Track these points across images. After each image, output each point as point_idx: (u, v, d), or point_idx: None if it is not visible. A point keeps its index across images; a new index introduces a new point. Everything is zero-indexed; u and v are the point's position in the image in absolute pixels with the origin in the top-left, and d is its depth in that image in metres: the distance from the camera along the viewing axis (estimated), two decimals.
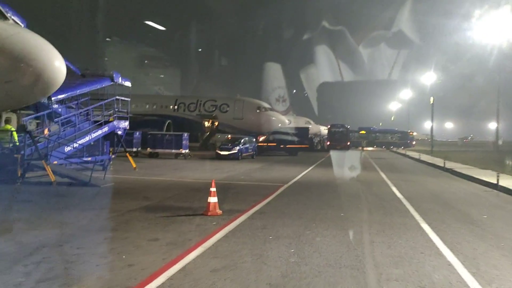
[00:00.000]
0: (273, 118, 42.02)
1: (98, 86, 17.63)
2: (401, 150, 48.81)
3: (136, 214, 9.28)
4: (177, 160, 26.08)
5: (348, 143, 48.85)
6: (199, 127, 42.14)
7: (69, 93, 16.24)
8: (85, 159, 16.58)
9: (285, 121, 42.91)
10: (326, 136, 51.18)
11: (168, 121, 39.90)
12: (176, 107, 42.99)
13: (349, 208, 10.66)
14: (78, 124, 16.89)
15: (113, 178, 15.31)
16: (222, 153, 27.52)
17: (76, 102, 18.06)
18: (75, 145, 15.68)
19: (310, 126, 63.32)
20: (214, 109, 42.40)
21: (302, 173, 19.77)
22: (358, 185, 15.96)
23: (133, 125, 40.98)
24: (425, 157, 32.90)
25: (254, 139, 31.58)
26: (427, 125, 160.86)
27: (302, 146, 36.70)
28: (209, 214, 9.23)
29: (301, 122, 67.94)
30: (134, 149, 27.37)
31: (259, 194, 12.50)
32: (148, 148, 27.59)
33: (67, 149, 15.12)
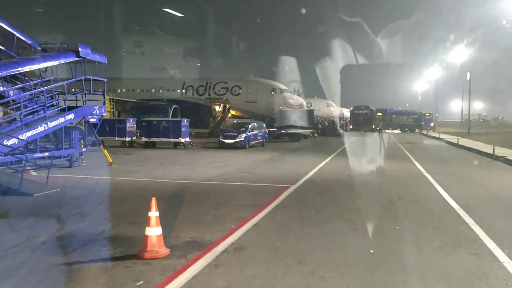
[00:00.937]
0: (290, 100, 37.84)
1: (59, 62, 13.89)
2: (432, 133, 43.80)
3: (22, 256, 5.53)
4: (174, 151, 22.39)
5: (373, 126, 44.21)
6: (208, 112, 38.36)
7: (16, 69, 12.54)
8: (38, 155, 12.97)
9: (303, 103, 38.66)
10: (349, 119, 46.62)
11: (174, 106, 36.32)
12: (184, 90, 39.32)
13: (381, 235, 6.67)
14: (32, 111, 13.25)
15: (66, 180, 11.71)
16: (226, 141, 23.68)
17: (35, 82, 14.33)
18: (23, 137, 12.08)
19: (311, 107, 59.20)
20: (225, 92, 38.51)
21: (318, 167, 15.76)
22: (390, 185, 11.87)
23: (137, 112, 37.97)
24: (463, 141, 28.24)
25: (264, 125, 27.55)
26: (454, 105, 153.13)
27: (306, 131, 32.44)
28: (145, 256, 5.44)
29: (322, 104, 63.63)
30: (128, 139, 23.82)
31: (249, 205, 8.64)
32: (143, 137, 23.96)
33: (8, 142, 11.51)
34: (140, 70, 49.41)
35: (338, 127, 45.18)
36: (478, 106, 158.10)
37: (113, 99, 36.16)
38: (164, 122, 23.75)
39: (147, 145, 23.92)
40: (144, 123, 24.10)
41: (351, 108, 45.75)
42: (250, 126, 24.81)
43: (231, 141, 23.61)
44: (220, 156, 19.77)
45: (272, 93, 37.67)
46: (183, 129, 23.37)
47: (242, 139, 23.63)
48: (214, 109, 38.98)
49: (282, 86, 38.66)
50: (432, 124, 60.53)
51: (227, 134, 24.17)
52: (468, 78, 35.19)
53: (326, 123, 45.29)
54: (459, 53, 73.38)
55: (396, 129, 53.65)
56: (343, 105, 65.16)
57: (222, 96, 38.17)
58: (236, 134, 23.85)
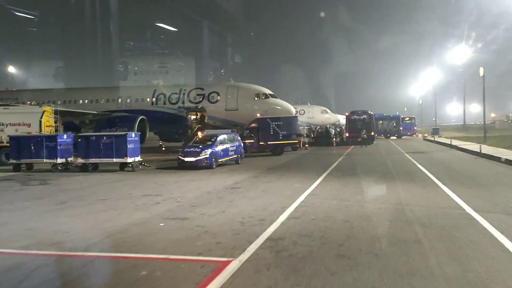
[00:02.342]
0: (277, 107, 32.07)
1: None
2: (440, 138, 37.97)
3: None
4: (115, 176, 16.70)
5: (372, 134, 38.48)
6: (183, 123, 32.74)
7: None
8: None
9: (291, 109, 32.95)
10: (345, 127, 40.96)
11: (141, 117, 30.64)
12: (154, 99, 33.61)
13: None
14: None
15: None
16: (187, 159, 18.04)
17: None
18: None
19: (297, 114, 54.08)
20: (201, 99, 32.83)
21: (298, 200, 10.09)
22: (423, 250, 6.16)
23: (97, 126, 32.30)
24: (485, 148, 22.53)
25: (239, 137, 21.86)
26: (450, 109, 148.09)
27: (289, 142, 26.90)
28: None
29: (317, 111, 58.23)
30: (60, 160, 18.17)
31: None
32: (78, 158, 18.26)
33: None
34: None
35: (332, 136, 39.58)
36: (475, 109, 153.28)
37: (63, 110, 30.68)
38: (104, 138, 18.01)
39: (85, 168, 18.23)
40: (79, 140, 18.38)
41: (347, 114, 40.03)
42: (219, 139, 19.13)
43: (192, 159, 17.95)
44: (168, 182, 14.09)
45: (256, 98, 32.00)
46: (130, 146, 17.72)
47: (207, 156, 17.97)
48: (189, 119, 33.48)
49: (267, 91, 33.00)
50: (415, 128, 55.53)
51: (188, 150, 18.51)
52: (481, 74, 29.65)
53: (320, 131, 39.61)
54: (459, 55, 68.49)
55: (380, 135, 47.63)
56: (340, 112, 59.88)
57: (198, 104, 32.56)
58: (199, 150, 18.18)
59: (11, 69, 65.44)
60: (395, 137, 48.32)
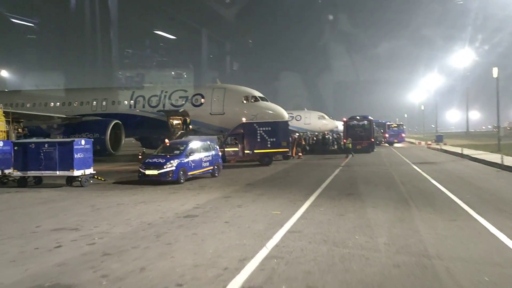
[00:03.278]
0: (268, 111, 28.60)
1: None
2: (446, 146, 34.27)
3: None
4: (51, 193, 13.16)
5: (372, 141, 34.96)
6: (164, 128, 29.29)
7: None
8: None
9: (284, 114, 29.45)
10: (343, 133, 37.41)
11: (115, 121, 27.14)
12: (132, 102, 30.10)
13: None
14: None
15: None
16: (149, 172, 14.53)
17: None
18: None
19: (292, 120, 50.71)
20: (183, 102, 29.37)
21: (264, 250, 6.54)
22: None
23: (66, 131, 28.75)
24: (507, 160, 18.97)
25: (215, 144, 18.27)
26: (449, 115, 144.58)
27: (279, 151, 23.19)
28: None
29: (313, 117, 54.89)
30: None
31: None
32: (15, 170, 14.71)
33: None
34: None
35: (329, 143, 36.09)
36: (475, 116, 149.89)
37: (28, 114, 27.24)
38: (46, 146, 14.43)
39: (22, 183, 14.69)
40: (15, 148, 14.82)
41: (345, 119, 36.44)
42: (190, 147, 15.60)
43: (154, 172, 14.43)
44: (108, 205, 10.55)
45: (244, 101, 28.56)
46: (78, 156, 14.20)
47: (173, 168, 14.44)
48: (172, 124, 30.01)
49: (257, 93, 29.53)
50: (403, 135, 52.72)
51: (150, 161, 14.96)
52: (495, 75, 26.22)
53: (315, 138, 36.10)
54: (460, 60, 65.39)
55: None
56: (339, 118, 56.57)
57: (180, 107, 29.08)
58: (163, 161, 14.64)
59: (4, 73, 62.09)
60: (386, 145, 44.99)
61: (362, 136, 34.69)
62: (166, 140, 17.46)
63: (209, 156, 16.41)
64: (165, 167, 14.36)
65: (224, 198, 11.43)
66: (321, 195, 11.60)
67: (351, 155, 27.44)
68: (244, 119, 24.93)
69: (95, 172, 14.97)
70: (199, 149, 16.02)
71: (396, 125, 55.00)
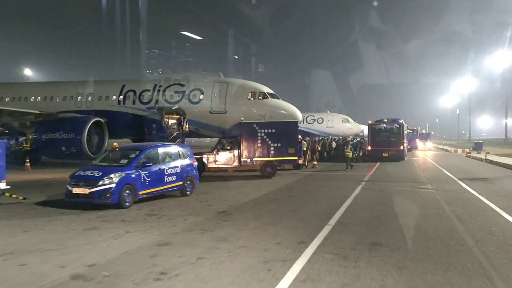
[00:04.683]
0: (280, 110, 23.53)
1: None
2: (494, 157, 27.99)
3: None
4: None
5: (402, 148, 29.31)
6: (158, 128, 24.61)
7: None
8: None
9: (297, 115, 24.30)
10: (367, 138, 31.92)
11: (95, 119, 22.73)
12: (121, 97, 25.62)
13: None
14: None
15: None
16: (77, 191, 9.74)
17: None
18: None
19: (322, 123, 46.04)
20: (179, 98, 24.70)
21: None
22: None
23: (39, 129, 24.13)
24: None
25: (188, 151, 13.20)
26: (481, 121, 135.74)
27: (284, 159, 17.85)
28: None
29: (337, 120, 49.50)
30: None
31: None
32: None
33: None
34: None
35: (353, 149, 30.68)
36: (509, 122, 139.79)
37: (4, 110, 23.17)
38: None
39: None
40: None
41: (370, 122, 30.93)
42: (144, 154, 10.73)
43: (85, 190, 9.64)
44: None
45: (250, 98, 23.64)
46: None
47: (112, 186, 9.62)
48: (167, 123, 25.34)
49: (266, 89, 24.55)
50: (416, 141, 47.65)
51: (82, 174, 10.13)
52: None
53: (334, 144, 30.71)
54: (496, 62, 58.64)
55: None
56: (363, 122, 51.09)
57: (175, 103, 24.41)
58: (99, 174, 9.82)
59: (28, 72, 59.51)
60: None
61: (389, 142, 29.17)
62: (115, 144, 12.68)
63: (177, 167, 11.51)
64: (100, 183, 9.56)
65: (154, 248, 6.50)
66: (326, 246, 6.53)
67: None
68: (242, 119, 19.88)
69: (7, 187, 10.30)
70: (160, 157, 11.17)
71: (411, 130, 49.61)
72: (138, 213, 9.38)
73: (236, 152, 17.48)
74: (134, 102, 25.32)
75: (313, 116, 49.51)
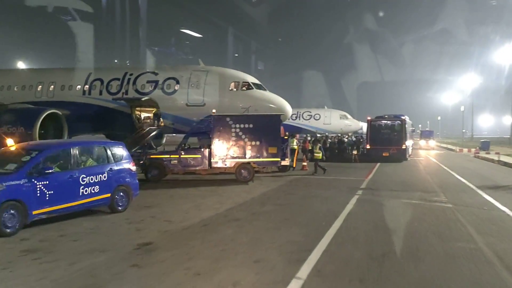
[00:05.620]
0: (267, 103, 20.20)
1: None
2: (509, 158, 24.54)
3: None
4: None
5: (403, 147, 25.99)
6: (127, 122, 21.38)
7: None
8: None
9: (286, 108, 20.99)
10: (365, 135, 28.67)
11: (50, 111, 19.32)
12: (87, 87, 22.31)
13: None
14: None
15: None
16: None
17: None
18: None
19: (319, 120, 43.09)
20: (151, 88, 21.38)
21: None
22: None
23: None
24: None
25: (123, 150, 9.86)
26: (482, 120, 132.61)
27: (264, 161, 14.34)
28: None
29: (334, 116, 46.41)
30: None
31: None
32: None
33: None
34: None
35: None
36: (508, 121, 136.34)
37: None
38: None
39: None
40: None
41: (369, 118, 27.59)
42: (44, 156, 7.48)
43: None
44: None
45: (233, 89, 20.35)
46: None
47: None
48: (139, 117, 22.05)
49: (251, 79, 21.22)
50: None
51: None
52: None
53: (329, 141, 27.33)
54: (497, 60, 55.29)
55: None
56: (363, 119, 48.12)
57: (147, 94, 21.12)
58: None
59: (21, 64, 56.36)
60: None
61: (390, 141, 25.89)
62: (9, 142, 9.34)
63: (101, 174, 8.25)
64: None
65: None
66: None
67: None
68: (214, 111, 16.60)
69: None
70: (74, 160, 7.90)
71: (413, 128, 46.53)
72: (15, 247, 6.13)
73: (206, 151, 14.23)
74: (101, 93, 21.97)
75: (310, 112, 46.23)
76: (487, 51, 58.98)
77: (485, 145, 36.87)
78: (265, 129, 14.36)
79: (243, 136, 14.12)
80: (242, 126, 14.20)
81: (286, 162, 17.18)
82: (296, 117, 46.03)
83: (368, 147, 26.26)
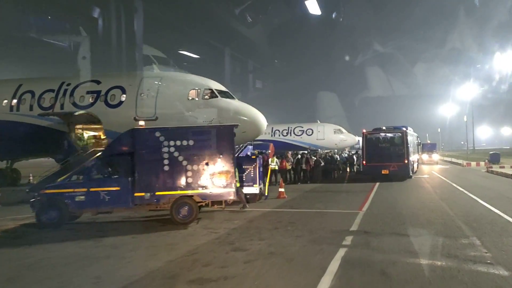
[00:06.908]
0: (236, 116, 15.96)
1: None
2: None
3: None
4: None
5: (406, 162, 21.50)
6: (63, 142, 16.90)
7: None
8: None
9: (260, 122, 16.66)
10: (361, 151, 24.23)
11: None
12: (16, 101, 18.01)
13: None
14: None
15: None
16: None
17: None
18: None
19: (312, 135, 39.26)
20: (91, 100, 17.10)
21: None
22: None
23: None
24: None
25: None
26: (480, 131, 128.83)
27: (213, 194, 9.67)
28: None
29: (328, 131, 42.03)
30: None
31: None
32: None
33: None
34: None
35: (340, 166, 22.96)
36: (506, 132, 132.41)
37: None
38: None
39: None
40: None
41: (364, 131, 23.14)
42: None
43: None
44: None
45: (194, 98, 16.21)
46: None
47: None
48: (79, 136, 17.60)
49: (216, 85, 17.00)
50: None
51: None
52: None
53: (314, 159, 22.72)
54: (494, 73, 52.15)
55: None
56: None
57: (86, 107, 16.85)
58: None
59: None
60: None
61: (390, 156, 21.52)
62: None
63: None
64: None
65: None
66: None
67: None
68: (142, 123, 12.28)
69: None
70: None
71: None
72: None
73: (126, 180, 9.77)
74: (31, 108, 17.68)
75: (302, 127, 41.97)
76: (488, 60, 55.40)
77: (494, 158, 32.54)
78: (212, 146, 9.90)
79: (180, 158, 9.67)
80: (178, 143, 9.75)
81: (254, 190, 12.78)
82: (287, 133, 41.94)
83: (364, 164, 21.89)
